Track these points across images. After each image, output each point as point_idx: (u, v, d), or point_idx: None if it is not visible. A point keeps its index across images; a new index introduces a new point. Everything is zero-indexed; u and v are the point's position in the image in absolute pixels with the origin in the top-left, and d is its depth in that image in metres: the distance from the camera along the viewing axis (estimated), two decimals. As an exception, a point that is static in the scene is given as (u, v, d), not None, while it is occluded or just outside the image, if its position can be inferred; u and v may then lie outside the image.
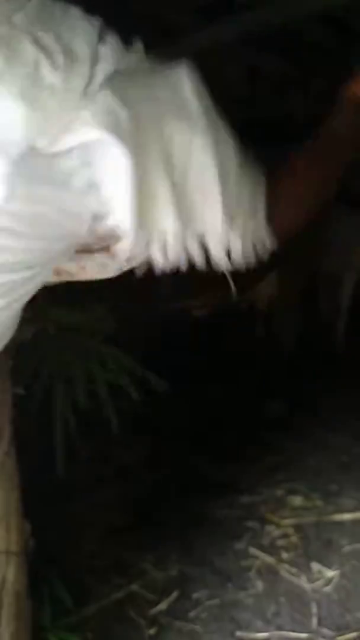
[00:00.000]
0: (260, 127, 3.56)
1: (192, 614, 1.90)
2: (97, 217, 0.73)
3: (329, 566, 2.06)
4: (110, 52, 0.70)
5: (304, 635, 1.78)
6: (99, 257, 0.92)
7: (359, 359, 4.06)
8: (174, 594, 1.98)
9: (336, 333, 4.61)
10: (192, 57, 0.78)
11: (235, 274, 0.89)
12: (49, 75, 0.64)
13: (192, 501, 2.52)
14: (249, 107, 3.25)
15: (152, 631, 1.83)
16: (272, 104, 3.14)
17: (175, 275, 0.89)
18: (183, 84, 0.73)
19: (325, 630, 1.79)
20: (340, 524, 2.31)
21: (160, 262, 0.77)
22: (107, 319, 2.15)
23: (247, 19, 2.10)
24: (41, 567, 1.59)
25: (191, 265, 0.80)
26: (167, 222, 0.73)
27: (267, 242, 0.84)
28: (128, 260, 0.86)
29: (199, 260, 0.79)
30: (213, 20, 2.16)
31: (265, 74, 2.73)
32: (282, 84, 2.92)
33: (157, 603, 1.94)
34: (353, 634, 1.77)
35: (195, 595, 1.98)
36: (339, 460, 2.86)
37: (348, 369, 4.18)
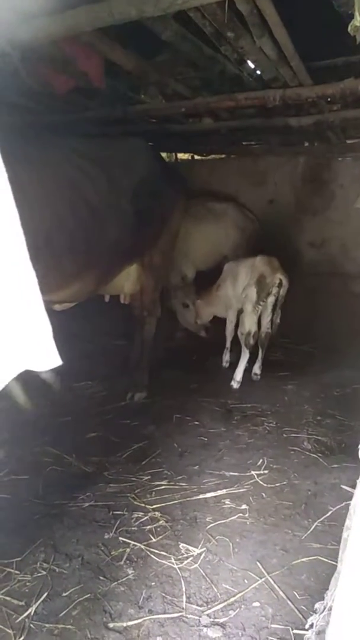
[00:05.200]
0: (117, 122, 3.44)
1: (63, 613, 1.74)
2: None
3: (195, 544, 2.03)
4: None
5: (174, 615, 1.73)
6: None
7: (205, 350, 4.18)
8: (43, 596, 1.80)
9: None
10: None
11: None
12: None
13: (56, 496, 2.34)
14: (107, 102, 3.12)
15: (21, 639, 1.64)
16: (129, 100, 3.04)
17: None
18: None
19: (194, 607, 1.76)
20: (204, 502, 2.31)
21: None
22: None
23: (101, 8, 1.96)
24: None
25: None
26: None
27: None
28: None
29: None
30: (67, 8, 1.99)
31: (124, 70, 2.60)
32: (140, 81, 2.82)
33: (25, 608, 1.75)
34: (220, 606, 1.76)
35: (65, 594, 1.82)
36: (199, 441, 2.87)
37: (199, 360, 4.28)
